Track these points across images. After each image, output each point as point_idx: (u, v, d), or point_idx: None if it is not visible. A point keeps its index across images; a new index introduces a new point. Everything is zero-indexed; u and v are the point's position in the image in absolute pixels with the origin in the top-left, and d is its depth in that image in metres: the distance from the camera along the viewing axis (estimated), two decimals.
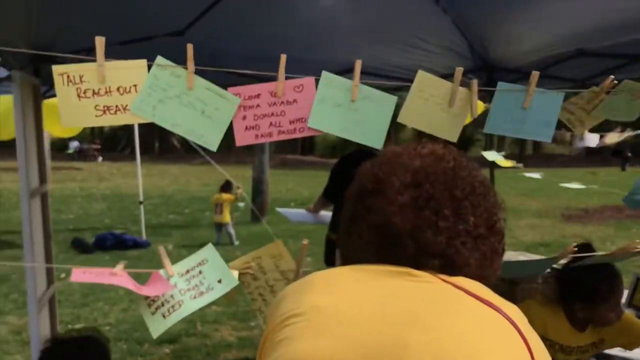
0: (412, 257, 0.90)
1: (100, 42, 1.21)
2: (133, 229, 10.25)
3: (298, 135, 1.51)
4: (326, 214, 4.54)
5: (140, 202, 9.93)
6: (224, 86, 1.63)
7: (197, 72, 1.32)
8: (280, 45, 3.09)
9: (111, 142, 36.29)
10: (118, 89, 1.23)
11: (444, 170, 0.94)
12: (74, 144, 27.35)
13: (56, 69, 1.21)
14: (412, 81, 3.72)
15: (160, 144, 38.13)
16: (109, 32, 2.81)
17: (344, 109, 1.41)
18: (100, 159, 26.70)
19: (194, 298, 1.35)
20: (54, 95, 4.18)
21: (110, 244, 8.80)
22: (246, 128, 1.43)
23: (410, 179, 0.93)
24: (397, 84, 3.23)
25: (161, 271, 1.38)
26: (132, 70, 1.25)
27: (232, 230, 9.50)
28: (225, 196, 9.42)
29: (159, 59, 1.26)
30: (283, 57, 1.40)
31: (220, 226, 9.50)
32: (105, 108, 1.25)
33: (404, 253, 0.90)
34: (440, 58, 3.06)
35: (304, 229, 9.26)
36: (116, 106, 1.25)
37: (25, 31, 2.76)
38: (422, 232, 0.90)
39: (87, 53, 3.00)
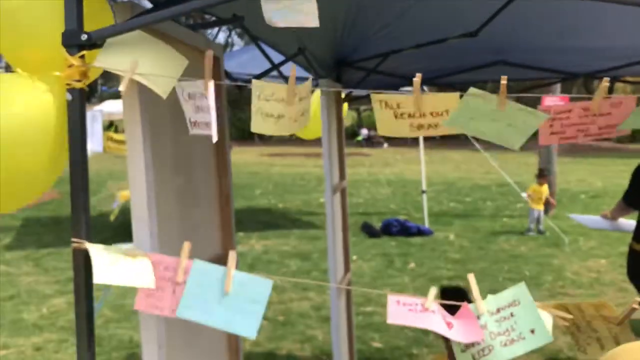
0: None
1: (418, 79, 1.34)
2: (415, 215, 10.62)
3: (605, 135, 1.47)
4: (627, 223, 4.03)
5: (423, 192, 10.26)
6: None
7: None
8: (578, 36, 2.88)
9: None
10: (431, 113, 1.42)
11: None
12: (364, 132, 29.30)
13: (375, 97, 1.40)
14: None
15: None
16: (403, 39, 2.96)
17: None
18: (385, 145, 28.18)
19: (504, 345, 1.31)
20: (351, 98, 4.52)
21: (396, 230, 9.27)
22: (551, 133, 1.42)
23: None
24: None
25: (471, 306, 1.38)
26: (444, 100, 1.39)
27: (534, 220, 9.21)
28: (534, 187, 9.22)
29: (471, 90, 1.32)
30: (604, 85, 1.31)
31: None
32: (419, 125, 1.45)
33: None
34: None
35: None
36: (429, 124, 1.44)
37: (331, 42, 3.06)
38: None
39: (384, 58, 3.21)
